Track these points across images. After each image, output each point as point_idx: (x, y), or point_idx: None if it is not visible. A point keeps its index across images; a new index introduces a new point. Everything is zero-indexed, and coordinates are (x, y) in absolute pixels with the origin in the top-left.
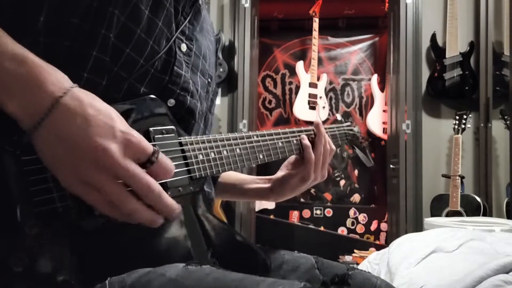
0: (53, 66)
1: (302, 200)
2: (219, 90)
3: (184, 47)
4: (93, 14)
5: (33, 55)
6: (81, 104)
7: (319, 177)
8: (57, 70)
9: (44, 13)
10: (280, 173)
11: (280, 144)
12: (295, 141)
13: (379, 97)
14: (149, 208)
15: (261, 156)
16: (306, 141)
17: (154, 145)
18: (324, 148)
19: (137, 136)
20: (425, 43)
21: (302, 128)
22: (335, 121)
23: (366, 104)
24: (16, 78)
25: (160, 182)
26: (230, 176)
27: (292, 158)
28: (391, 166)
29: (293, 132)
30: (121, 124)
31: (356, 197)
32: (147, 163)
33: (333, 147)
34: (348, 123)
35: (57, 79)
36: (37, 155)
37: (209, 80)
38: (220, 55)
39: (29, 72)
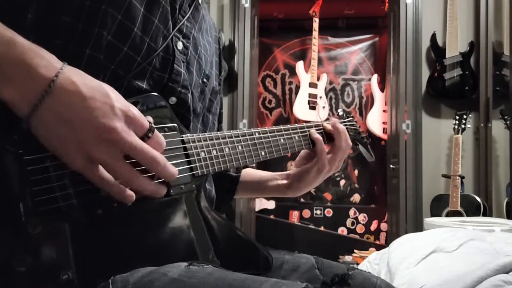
0: (40, 47)
1: (302, 200)
2: None
3: (180, 45)
4: (86, 13)
5: (21, 37)
6: (74, 84)
7: (333, 168)
8: (45, 50)
9: (31, 10)
10: (295, 169)
11: (282, 140)
12: (296, 138)
13: (379, 97)
14: (152, 181)
15: (263, 153)
16: (317, 135)
17: (150, 122)
18: (346, 143)
19: (135, 112)
20: (425, 43)
21: (312, 123)
22: (338, 116)
23: (366, 104)
24: (8, 62)
25: (162, 181)
26: (252, 174)
27: (304, 153)
28: (391, 166)
29: (295, 128)
30: (118, 101)
31: (356, 197)
32: (144, 137)
33: (350, 143)
34: (350, 118)
35: (48, 61)
36: (40, 138)
37: (205, 80)
38: None
39: (20, 56)
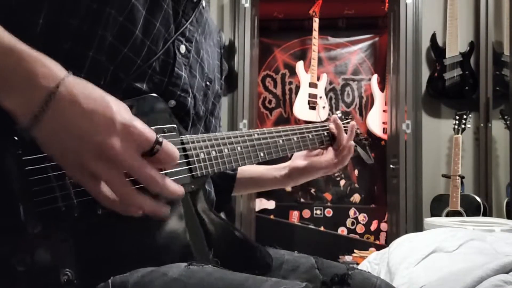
0: (44, 54)
1: (302, 200)
2: None
3: (183, 48)
4: (92, 15)
5: (22, 43)
6: (75, 96)
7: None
8: (48, 58)
9: (43, 15)
10: (297, 161)
11: (280, 142)
12: (295, 139)
13: (379, 97)
14: (153, 199)
15: (261, 154)
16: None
17: (157, 134)
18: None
19: (138, 127)
20: (425, 43)
21: (318, 125)
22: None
23: (366, 104)
24: (8, 71)
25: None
26: (249, 170)
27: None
28: (391, 166)
29: (294, 129)
30: (120, 114)
31: (356, 197)
32: (151, 151)
33: (349, 138)
34: (348, 120)
35: (49, 70)
36: (41, 147)
37: (208, 83)
38: None
39: (20, 65)
